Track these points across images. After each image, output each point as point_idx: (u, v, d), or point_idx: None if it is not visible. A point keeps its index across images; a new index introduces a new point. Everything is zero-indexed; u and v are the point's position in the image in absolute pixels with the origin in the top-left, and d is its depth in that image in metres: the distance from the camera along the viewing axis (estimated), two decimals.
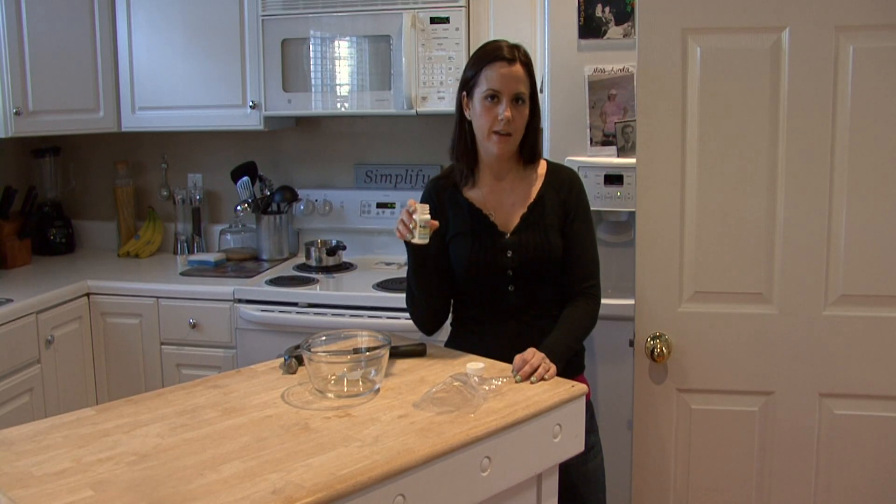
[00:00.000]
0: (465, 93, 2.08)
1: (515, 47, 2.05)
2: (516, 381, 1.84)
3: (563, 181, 2.13)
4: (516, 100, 2.01)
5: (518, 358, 1.89)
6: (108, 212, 3.91)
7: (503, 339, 2.08)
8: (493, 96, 2.01)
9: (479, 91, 2.03)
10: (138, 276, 3.37)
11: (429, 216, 1.95)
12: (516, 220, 2.10)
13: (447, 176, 2.19)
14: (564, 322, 2.06)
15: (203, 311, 3.10)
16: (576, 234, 2.09)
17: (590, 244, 2.12)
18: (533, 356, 1.89)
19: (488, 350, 2.02)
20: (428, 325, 2.17)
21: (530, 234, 2.08)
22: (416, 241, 1.95)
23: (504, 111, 1.99)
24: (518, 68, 2.02)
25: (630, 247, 2.51)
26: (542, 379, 1.85)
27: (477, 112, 2.04)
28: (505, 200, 2.12)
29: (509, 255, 2.08)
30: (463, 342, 2.13)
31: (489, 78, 2.01)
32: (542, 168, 2.15)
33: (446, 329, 2.24)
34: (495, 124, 2.01)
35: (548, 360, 1.89)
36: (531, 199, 2.11)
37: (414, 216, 1.94)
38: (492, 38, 2.09)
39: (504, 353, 1.98)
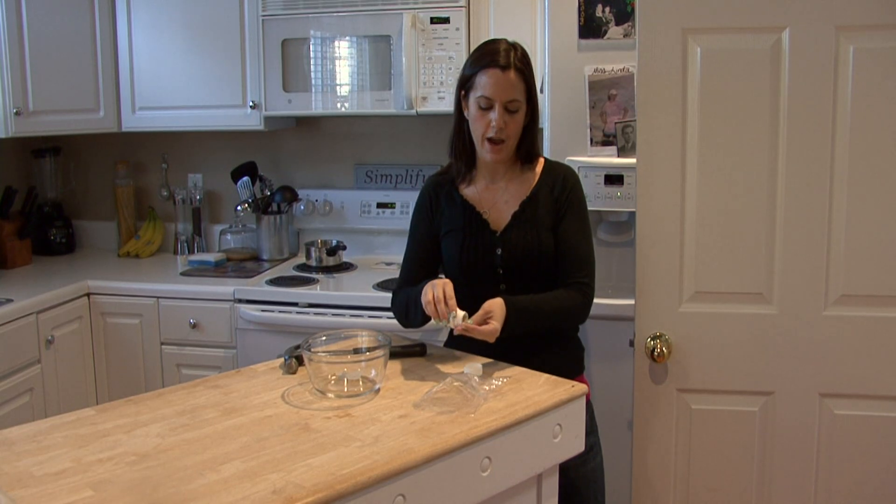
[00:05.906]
0: (463, 91, 2.08)
1: (513, 48, 2.03)
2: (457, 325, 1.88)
3: (557, 178, 2.12)
4: (510, 107, 2.01)
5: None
6: (109, 212, 3.91)
7: (500, 339, 2.07)
8: (487, 102, 2.01)
9: (474, 95, 2.03)
10: (138, 276, 3.37)
11: (461, 320, 1.91)
12: (508, 218, 2.10)
13: (445, 172, 2.20)
14: (543, 294, 2.03)
15: (203, 311, 3.10)
16: (566, 229, 2.08)
17: (581, 240, 2.09)
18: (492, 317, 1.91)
19: (487, 350, 2.02)
20: (416, 326, 2.15)
21: (521, 232, 2.07)
22: (451, 325, 1.91)
23: (496, 118, 1.99)
24: (512, 75, 1.99)
25: (630, 247, 2.51)
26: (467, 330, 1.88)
27: (472, 115, 2.05)
28: (500, 198, 2.12)
29: (499, 252, 2.07)
30: (462, 342, 2.13)
31: (483, 84, 2.00)
32: (539, 166, 2.15)
33: (446, 329, 2.23)
34: (488, 130, 2.01)
35: (495, 322, 1.90)
36: (524, 197, 2.11)
37: (450, 314, 1.90)
38: (492, 38, 2.09)
39: (502, 353, 1.99)
